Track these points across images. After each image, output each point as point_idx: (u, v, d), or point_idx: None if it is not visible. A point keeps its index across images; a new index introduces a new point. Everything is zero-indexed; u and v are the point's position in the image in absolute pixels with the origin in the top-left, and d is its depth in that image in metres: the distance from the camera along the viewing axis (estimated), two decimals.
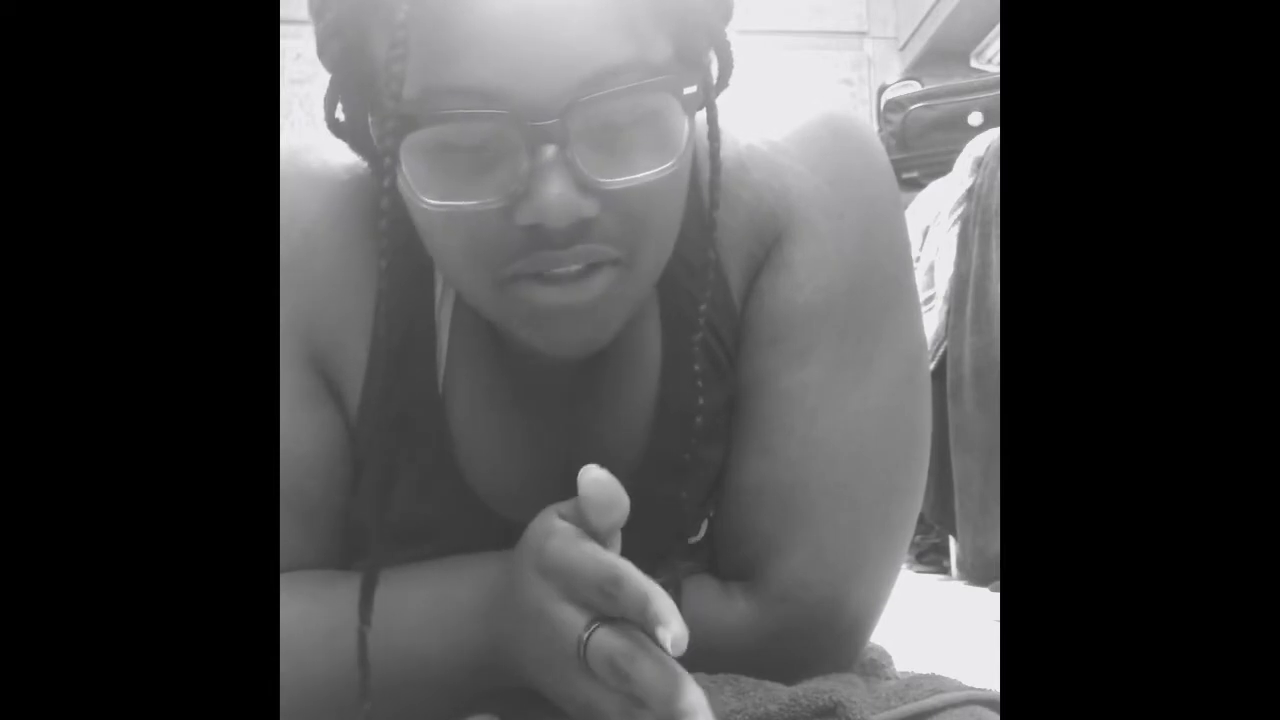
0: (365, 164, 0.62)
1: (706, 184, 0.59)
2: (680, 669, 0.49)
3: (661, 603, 0.48)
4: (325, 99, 0.57)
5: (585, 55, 0.49)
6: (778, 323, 0.63)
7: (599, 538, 0.52)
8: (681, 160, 0.53)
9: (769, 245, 0.63)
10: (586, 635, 0.51)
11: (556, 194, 0.49)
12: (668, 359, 0.64)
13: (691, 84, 0.52)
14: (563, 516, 0.54)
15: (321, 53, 0.54)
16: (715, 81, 0.57)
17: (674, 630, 0.47)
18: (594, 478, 0.51)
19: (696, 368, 0.58)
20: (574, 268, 0.52)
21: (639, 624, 0.50)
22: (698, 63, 0.54)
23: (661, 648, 0.48)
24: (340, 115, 0.57)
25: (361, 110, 0.56)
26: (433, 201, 0.51)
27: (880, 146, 0.66)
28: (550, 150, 0.49)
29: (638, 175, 0.51)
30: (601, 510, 0.51)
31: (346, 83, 0.55)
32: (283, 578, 0.61)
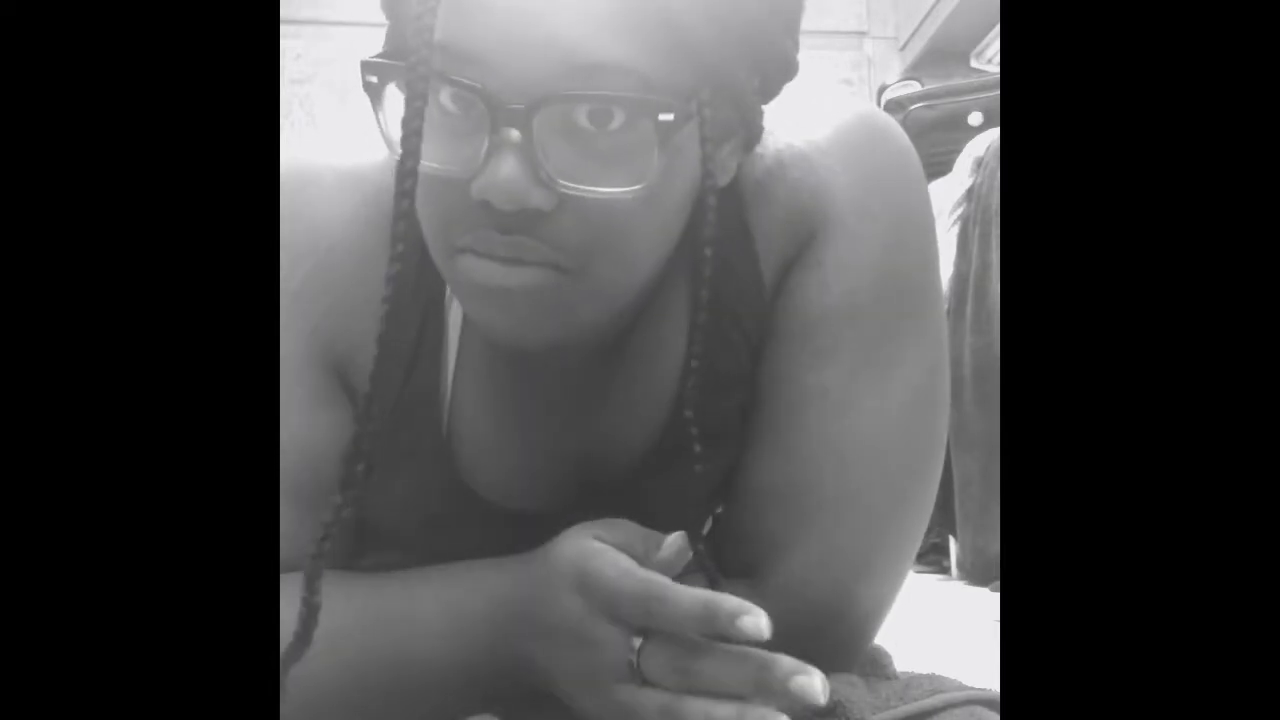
0: (379, 175, 0.63)
1: (745, 191, 0.61)
2: (741, 647, 0.51)
3: (728, 599, 0.50)
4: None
5: (568, 47, 0.48)
6: (802, 320, 0.62)
7: (637, 559, 0.55)
8: (651, 189, 0.51)
9: (802, 243, 0.63)
10: (639, 646, 0.53)
11: (505, 176, 0.49)
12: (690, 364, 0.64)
13: (669, 112, 0.49)
14: (597, 538, 0.56)
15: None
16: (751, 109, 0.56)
17: (760, 620, 0.50)
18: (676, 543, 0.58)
19: (692, 362, 0.57)
20: (508, 254, 0.52)
21: (695, 630, 0.52)
22: (692, 94, 0.51)
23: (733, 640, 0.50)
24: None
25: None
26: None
27: (914, 152, 0.66)
28: (513, 134, 0.49)
29: (597, 187, 0.50)
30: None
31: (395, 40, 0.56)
32: (285, 578, 0.61)
